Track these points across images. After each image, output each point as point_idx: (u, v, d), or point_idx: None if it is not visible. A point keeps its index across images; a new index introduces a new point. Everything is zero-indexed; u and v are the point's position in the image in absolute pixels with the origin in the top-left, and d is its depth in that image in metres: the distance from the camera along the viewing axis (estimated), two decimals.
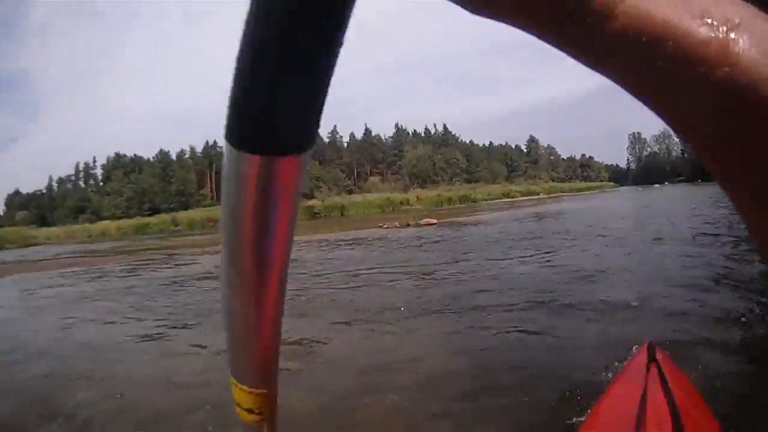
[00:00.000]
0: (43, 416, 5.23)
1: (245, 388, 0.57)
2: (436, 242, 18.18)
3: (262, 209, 0.37)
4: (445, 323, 7.09)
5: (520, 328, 6.48)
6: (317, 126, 0.35)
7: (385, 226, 29.03)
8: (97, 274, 19.02)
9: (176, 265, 19.29)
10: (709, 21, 0.27)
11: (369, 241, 21.42)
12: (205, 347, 6.99)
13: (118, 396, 5.49)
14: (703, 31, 0.27)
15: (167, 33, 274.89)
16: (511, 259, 12.10)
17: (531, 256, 12.30)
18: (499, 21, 0.29)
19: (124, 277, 17.11)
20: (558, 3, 0.27)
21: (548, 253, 12.47)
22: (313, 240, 24.04)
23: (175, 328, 8.62)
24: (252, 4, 0.29)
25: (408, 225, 28.18)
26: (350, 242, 21.65)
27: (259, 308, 0.47)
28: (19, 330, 9.75)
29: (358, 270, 12.56)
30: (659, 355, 2.58)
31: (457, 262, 12.41)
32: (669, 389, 2.16)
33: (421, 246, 17.28)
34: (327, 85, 0.33)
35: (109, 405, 5.32)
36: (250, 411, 0.59)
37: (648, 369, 2.44)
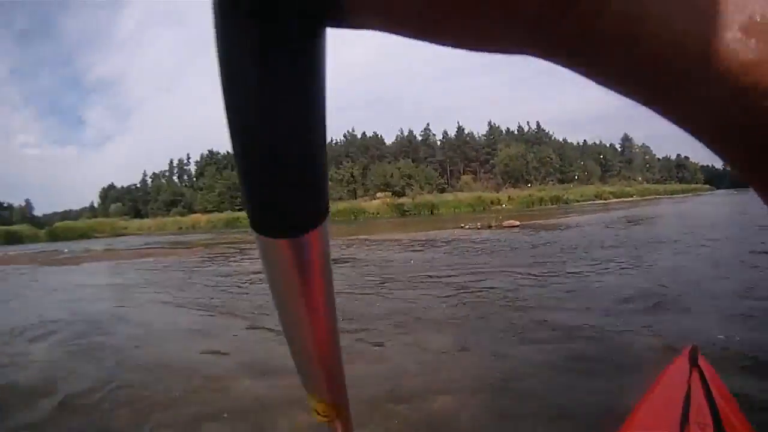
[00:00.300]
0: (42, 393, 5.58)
1: (315, 398, 0.64)
2: (513, 247, 16.92)
3: (300, 279, 0.40)
4: (497, 344, 6.20)
5: (578, 358, 5.54)
6: (326, 195, 0.36)
7: (466, 227, 28.09)
8: (166, 264, 19.85)
9: (242, 259, 19.37)
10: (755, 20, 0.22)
11: (444, 242, 20.45)
12: (226, 346, 7.02)
13: (119, 383, 5.76)
14: (748, 47, 0.22)
15: None
16: (588, 273, 10.67)
17: (611, 269, 10.95)
18: (479, 51, 0.28)
19: (188, 269, 17.57)
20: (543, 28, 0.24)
21: (631, 265, 11.15)
22: (387, 240, 23.56)
23: (208, 324, 8.62)
24: (228, 117, 0.30)
25: (489, 227, 27.00)
26: (424, 243, 20.84)
27: (315, 348, 0.52)
28: (68, 312, 10.26)
29: (418, 275, 11.79)
30: (701, 361, 2.54)
31: (529, 270, 11.31)
32: (711, 394, 2.16)
33: (495, 251, 16.08)
34: (323, 155, 0.33)
35: (106, 392, 5.53)
36: (322, 416, 0.67)
37: (690, 373, 2.42)
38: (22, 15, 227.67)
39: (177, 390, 5.45)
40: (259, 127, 0.29)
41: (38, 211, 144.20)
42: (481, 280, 10.47)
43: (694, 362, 2.47)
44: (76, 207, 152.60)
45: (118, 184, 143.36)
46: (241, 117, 0.30)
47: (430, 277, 11.39)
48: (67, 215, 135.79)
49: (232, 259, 19.93)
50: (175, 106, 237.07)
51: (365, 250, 18.84)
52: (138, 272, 18.21)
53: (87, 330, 8.57)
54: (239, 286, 12.43)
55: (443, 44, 0.27)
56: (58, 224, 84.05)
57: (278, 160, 0.31)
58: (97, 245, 42.39)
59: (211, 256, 22.31)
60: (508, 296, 8.76)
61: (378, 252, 18.15)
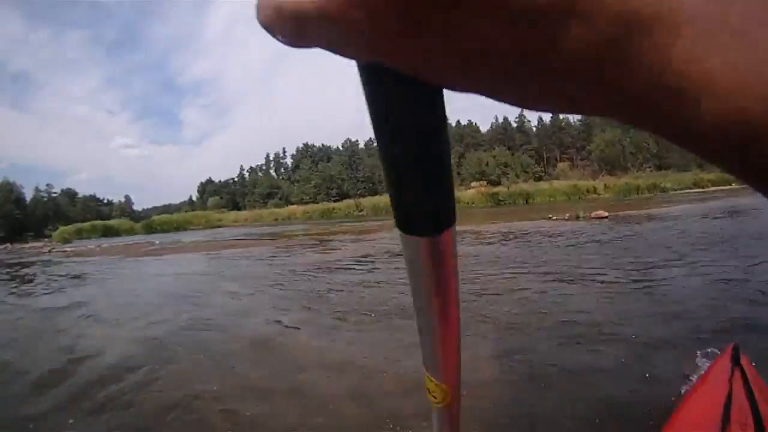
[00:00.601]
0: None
1: (433, 380, 0.69)
2: (595, 242, 15.66)
3: (435, 272, 0.45)
4: (536, 365, 5.43)
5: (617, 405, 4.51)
6: (454, 200, 0.40)
7: (554, 218, 27.04)
8: (246, 255, 20.38)
9: (323, 251, 19.73)
10: None
11: (523, 234, 19.71)
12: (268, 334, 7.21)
13: (156, 365, 6.23)
14: None
15: None
16: (672, 276, 9.27)
17: (701, 271, 9.49)
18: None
19: (264, 260, 17.98)
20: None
21: (724, 266, 9.61)
22: (467, 231, 22.90)
23: (260, 313, 8.74)
24: (377, 136, 0.34)
25: (577, 218, 26.07)
26: (505, 236, 20.07)
27: (441, 333, 0.56)
28: (134, 297, 11.43)
29: (479, 272, 11.07)
30: (743, 360, 2.50)
31: (604, 270, 10.33)
32: (752, 394, 2.13)
33: (576, 245, 15.05)
34: (450, 168, 0.37)
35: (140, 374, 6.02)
36: (436, 399, 0.71)
37: (732, 372, 2.39)
38: (110, 27, 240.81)
39: (207, 372, 5.88)
40: (403, 155, 0.34)
41: (138, 207, 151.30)
42: (545, 281, 9.76)
43: (736, 362, 2.45)
44: (175, 202, 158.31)
45: (216, 179, 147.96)
46: (388, 148, 0.34)
47: (493, 275, 10.77)
48: (166, 209, 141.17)
49: (310, 250, 20.22)
50: (270, 101, 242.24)
51: None
52: (216, 262, 19.24)
53: (146, 315, 9.26)
54: (301, 277, 12.53)
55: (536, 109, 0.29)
56: (154, 217, 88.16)
57: (420, 177, 0.35)
58: (189, 237, 43.98)
59: (291, 246, 22.63)
60: (569, 302, 7.95)
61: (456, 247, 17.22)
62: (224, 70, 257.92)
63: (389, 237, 22.58)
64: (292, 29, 0.26)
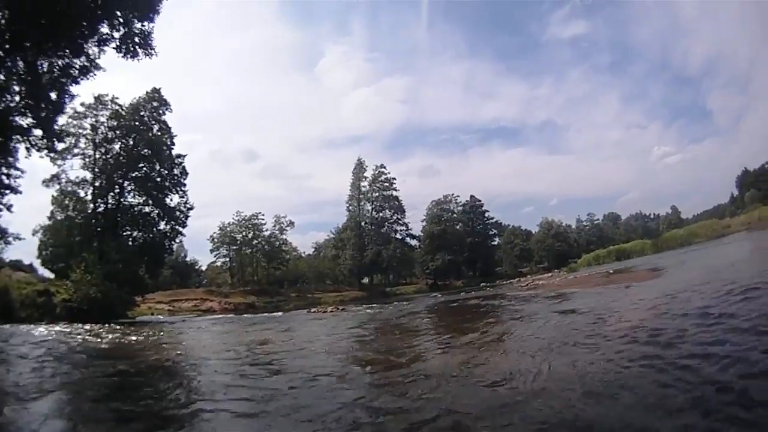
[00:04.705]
0: None
1: None
2: None
3: None
4: None
5: None
6: None
7: None
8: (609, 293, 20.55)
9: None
10: None
11: None
12: None
13: None
14: None
15: None
16: None
17: None
18: None
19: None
20: None
21: None
22: None
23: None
24: None
25: None
26: None
27: None
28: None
29: None
30: None
31: None
32: None
33: None
34: None
35: None
36: None
37: None
38: (600, 53, 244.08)
39: None
40: None
41: (687, 214, 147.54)
42: None
43: None
44: (725, 201, 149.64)
45: (752, 167, 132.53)
46: None
47: None
48: (715, 212, 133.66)
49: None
50: None
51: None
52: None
53: None
54: None
55: None
56: (665, 234, 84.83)
57: None
58: (654, 261, 41.56)
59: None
60: None
61: None
62: (721, 40, 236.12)
63: None
64: None
